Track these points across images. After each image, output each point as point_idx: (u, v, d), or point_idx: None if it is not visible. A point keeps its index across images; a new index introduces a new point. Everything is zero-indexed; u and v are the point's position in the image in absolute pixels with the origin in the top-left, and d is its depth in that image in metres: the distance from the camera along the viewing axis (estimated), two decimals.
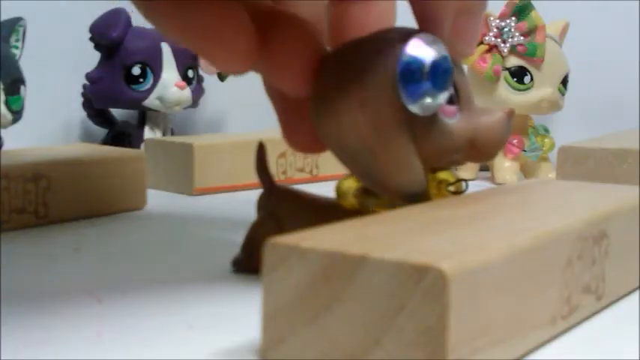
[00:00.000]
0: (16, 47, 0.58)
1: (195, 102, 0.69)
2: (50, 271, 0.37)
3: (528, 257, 0.26)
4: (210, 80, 0.70)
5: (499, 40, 0.63)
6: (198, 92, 0.69)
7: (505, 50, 0.63)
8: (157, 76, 0.65)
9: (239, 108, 0.75)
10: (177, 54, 0.66)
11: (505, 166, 0.65)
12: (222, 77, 0.69)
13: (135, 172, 0.51)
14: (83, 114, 0.69)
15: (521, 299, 0.25)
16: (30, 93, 0.58)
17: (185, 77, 0.66)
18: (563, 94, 0.65)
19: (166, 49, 0.65)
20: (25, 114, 0.57)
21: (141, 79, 0.65)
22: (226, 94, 0.74)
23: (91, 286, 0.34)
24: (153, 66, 0.65)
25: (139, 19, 0.68)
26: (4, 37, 0.57)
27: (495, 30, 0.63)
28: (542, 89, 0.64)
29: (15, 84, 0.56)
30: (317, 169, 0.65)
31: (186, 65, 0.66)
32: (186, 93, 0.66)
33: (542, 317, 0.27)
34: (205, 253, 0.42)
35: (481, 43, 0.64)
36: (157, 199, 0.55)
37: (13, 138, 0.59)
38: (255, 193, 0.39)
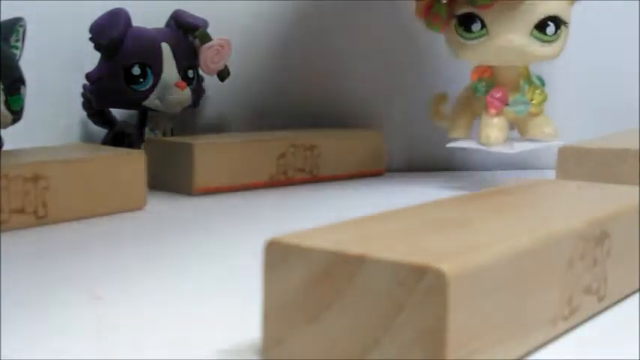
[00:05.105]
0: (16, 47, 0.58)
1: (195, 102, 0.68)
2: (50, 271, 0.37)
3: (529, 258, 0.26)
4: (210, 80, 0.70)
5: None
6: (198, 92, 0.68)
7: None
8: (156, 76, 0.65)
9: (239, 108, 0.75)
10: (177, 54, 0.65)
11: (491, 122, 0.58)
12: (222, 77, 0.69)
13: (135, 172, 0.51)
14: (83, 114, 0.69)
15: (521, 300, 0.25)
16: (30, 93, 0.58)
17: (185, 77, 0.66)
18: (542, 40, 0.56)
19: (166, 49, 0.65)
20: (25, 114, 0.57)
21: (141, 79, 0.65)
22: (226, 94, 0.74)
23: (91, 286, 0.34)
24: (153, 66, 0.65)
25: (139, 19, 0.68)
26: (4, 37, 0.57)
27: None
28: (501, 37, 0.56)
29: (15, 84, 0.56)
30: (317, 169, 0.64)
31: (186, 65, 0.66)
32: (187, 93, 0.66)
33: (542, 318, 0.27)
34: (205, 253, 0.42)
35: None
36: (157, 199, 0.54)
37: (13, 138, 0.59)
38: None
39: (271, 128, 0.71)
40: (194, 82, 0.68)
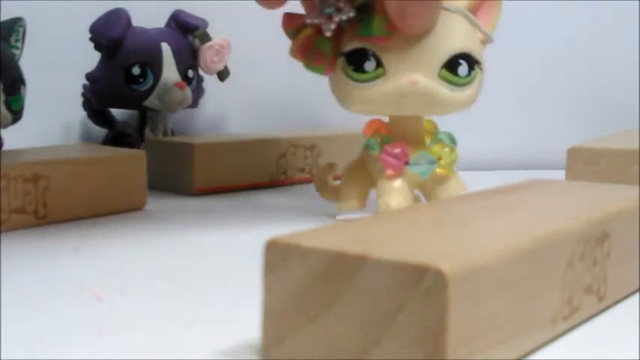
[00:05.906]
0: (16, 47, 0.58)
1: (195, 102, 0.68)
2: (50, 271, 0.37)
3: (529, 258, 0.26)
4: (210, 80, 0.70)
5: (321, 18, 0.44)
6: (198, 92, 0.68)
7: (328, 30, 0.44)
8: (156, 76, 0.65)
9: (239, 108, 0.75)
10: (177, 54, 0.65)
11: (389, 187, 0.46)
12: (222, 77, 0.69)
13: (135, 172, 0.51)
14: (83, 114, 0.69)
15: (521, 300, 0.25)
16: (30, 93, 0.58)
17: (185, 77, 0.66)
18: (452, 83, 0.44)
19: (166, 49, 0.65)
20: (25, 114, 0.57)
21: (141, 79, 0.65)
22: (226, 94, 0.74)
23: (91, 286, 0.34)
24: (153, 66, 0.65)
25: (139, 19, 0.68)
26: (4, 37, 0.57)
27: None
28: (402, 77, 0.44)
29: (15, 84, 0.56)
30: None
31: (186, 65, 0.66)
32: (187, 93, 0.66)
33: (542, 318, 0.27)
34: (205, 253, 0.42)
35: (305, 26, 0.45)
36: (157, 199, 0.54)
37: (13, 138, 0.59)
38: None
39: (271, 128, 0.71)
40: (194, 82, 0.68)
